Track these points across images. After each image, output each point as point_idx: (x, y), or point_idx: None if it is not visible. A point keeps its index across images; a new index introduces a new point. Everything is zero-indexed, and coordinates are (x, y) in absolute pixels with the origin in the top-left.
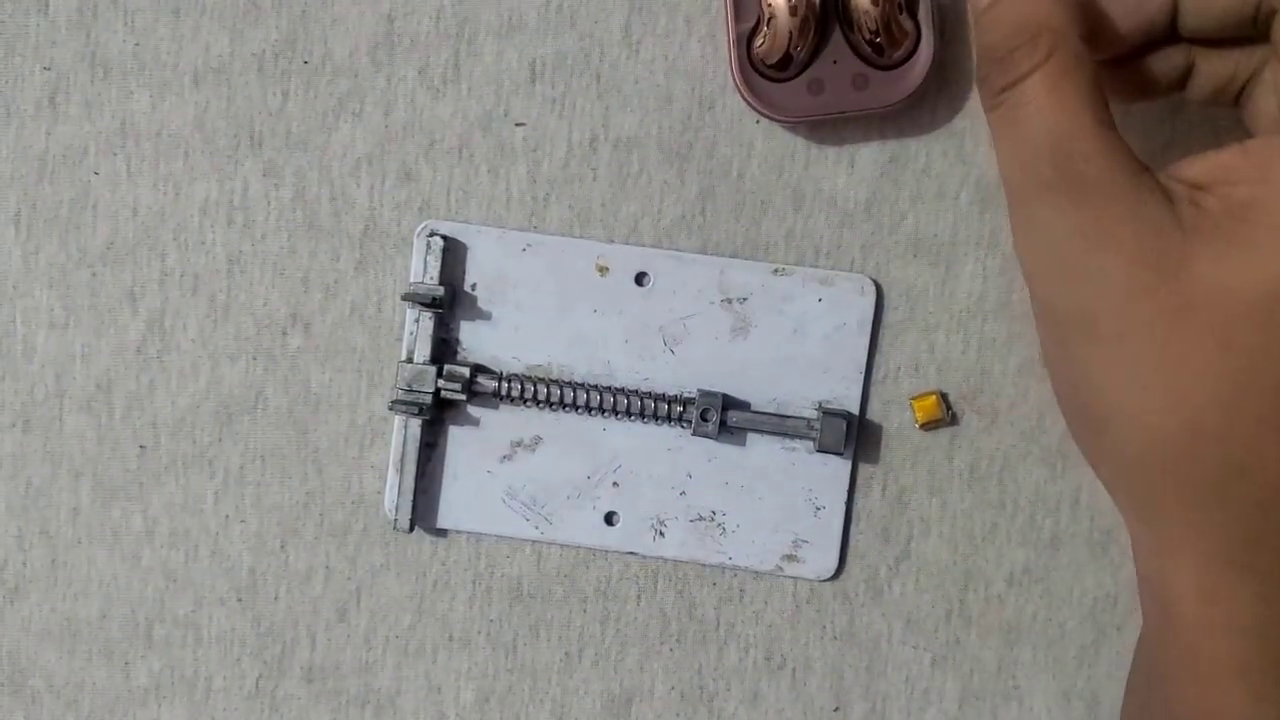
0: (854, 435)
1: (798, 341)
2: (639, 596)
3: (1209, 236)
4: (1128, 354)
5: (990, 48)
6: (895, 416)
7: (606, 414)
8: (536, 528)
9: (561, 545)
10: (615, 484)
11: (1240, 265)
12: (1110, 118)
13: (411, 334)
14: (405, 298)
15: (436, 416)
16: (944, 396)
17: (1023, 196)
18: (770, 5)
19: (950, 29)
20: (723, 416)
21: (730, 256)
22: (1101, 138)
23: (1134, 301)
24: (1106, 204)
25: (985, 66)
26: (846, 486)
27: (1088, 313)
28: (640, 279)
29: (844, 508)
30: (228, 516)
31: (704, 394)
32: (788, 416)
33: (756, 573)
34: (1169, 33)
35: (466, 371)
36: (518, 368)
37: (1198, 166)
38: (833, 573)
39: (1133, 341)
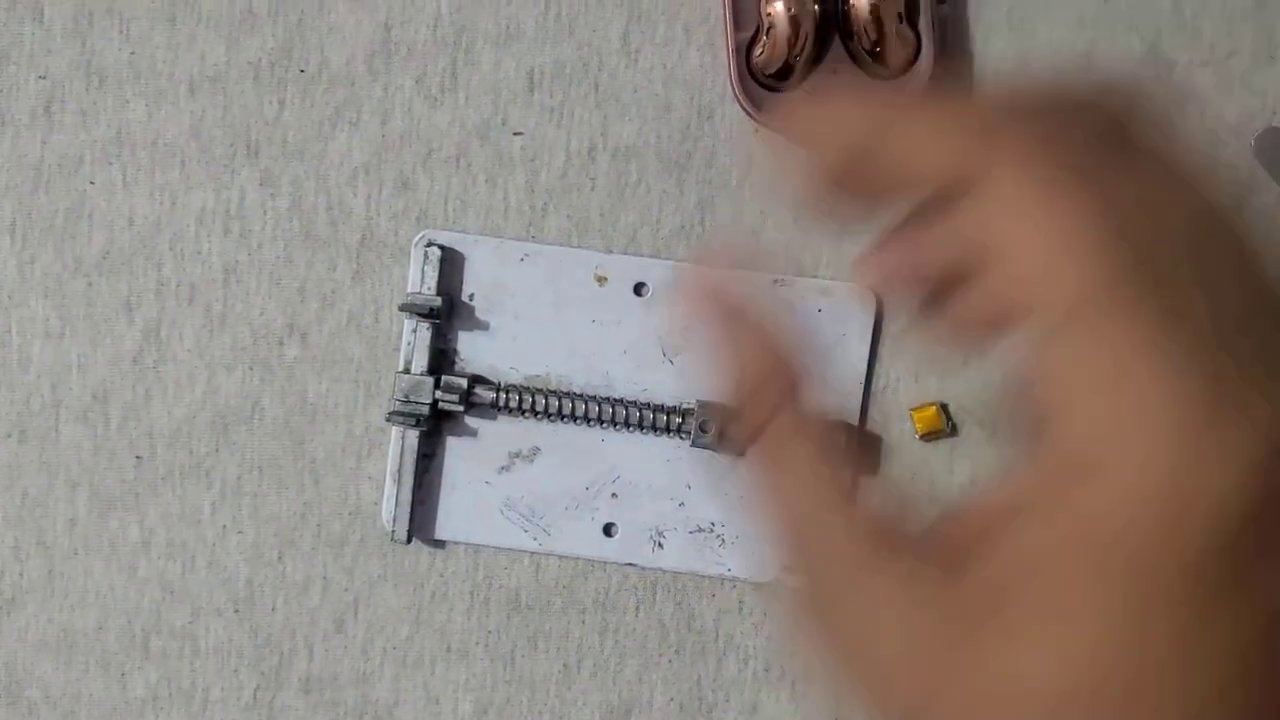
0: (855, 444)
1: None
2: (638, 608)
3: (966, 634)
4: None
5: (735, 383)
6: (895, 427)
7: (605, 425)
8: (535, 539)
9: (560, 556)
10: (614, 495)
11: (996, 671)
12: (855, 493)
13: (409, 344)
14: (403, 308)
15: (434, 427)
16: (944, 407)
17: (778, 556)
18: (770, 14)
19: (950, 38)
20: (722, 428)
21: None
22: (835, 519)
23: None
24: (858, 599)
25: (739, 399)
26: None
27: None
28: (639, 289)
29: None
30: (225, 527)
31: (703, 405)
32: None
33: (756, 584)
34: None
35: (464, 382)
36: (515, 378)
37: (962, 516)
38: None
39: None
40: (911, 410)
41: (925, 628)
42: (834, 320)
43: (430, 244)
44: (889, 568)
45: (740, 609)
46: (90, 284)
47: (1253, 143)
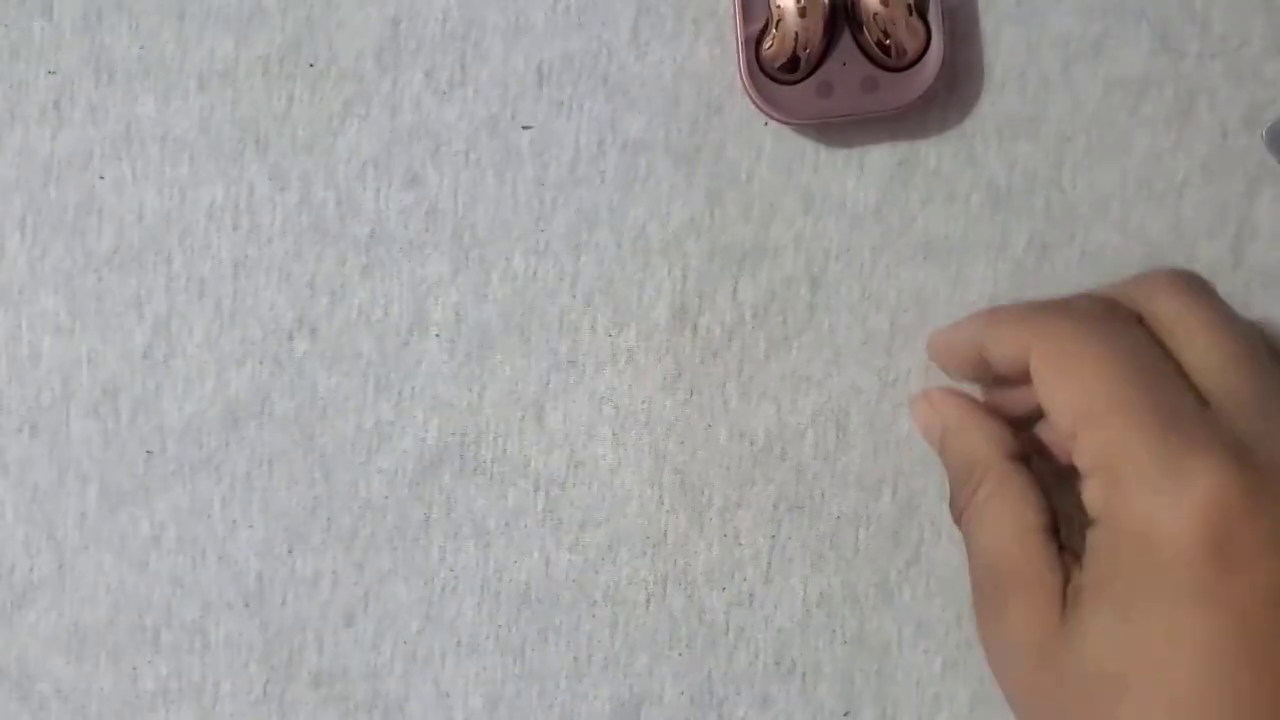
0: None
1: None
2: (648, 601)
3: (1066, 620)
4: None
5: (949, 478)
6: (905, 420)
7: None
8: None
9: (570, 547)
10: None
11: (1079, 654)
12: (1039, 520)
13: None
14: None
15: None
16: None
17: (975, 599)
18: (779, 7)
19: (960, 31)
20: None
21: None
22: (1019, 545)
23: (1026, 692)
24: (1013, 604)
25: (950, 492)
26: None
27: (1006, 689)
28: None
29: None
30: (235, 521)
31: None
32: None
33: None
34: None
35: None
36: None
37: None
38: None
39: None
40: None
41: (1047, 616)
42: None
43: None
44: (1051, 576)
45: (751, 602)
46: (100, 279)
47: (1264, 134)
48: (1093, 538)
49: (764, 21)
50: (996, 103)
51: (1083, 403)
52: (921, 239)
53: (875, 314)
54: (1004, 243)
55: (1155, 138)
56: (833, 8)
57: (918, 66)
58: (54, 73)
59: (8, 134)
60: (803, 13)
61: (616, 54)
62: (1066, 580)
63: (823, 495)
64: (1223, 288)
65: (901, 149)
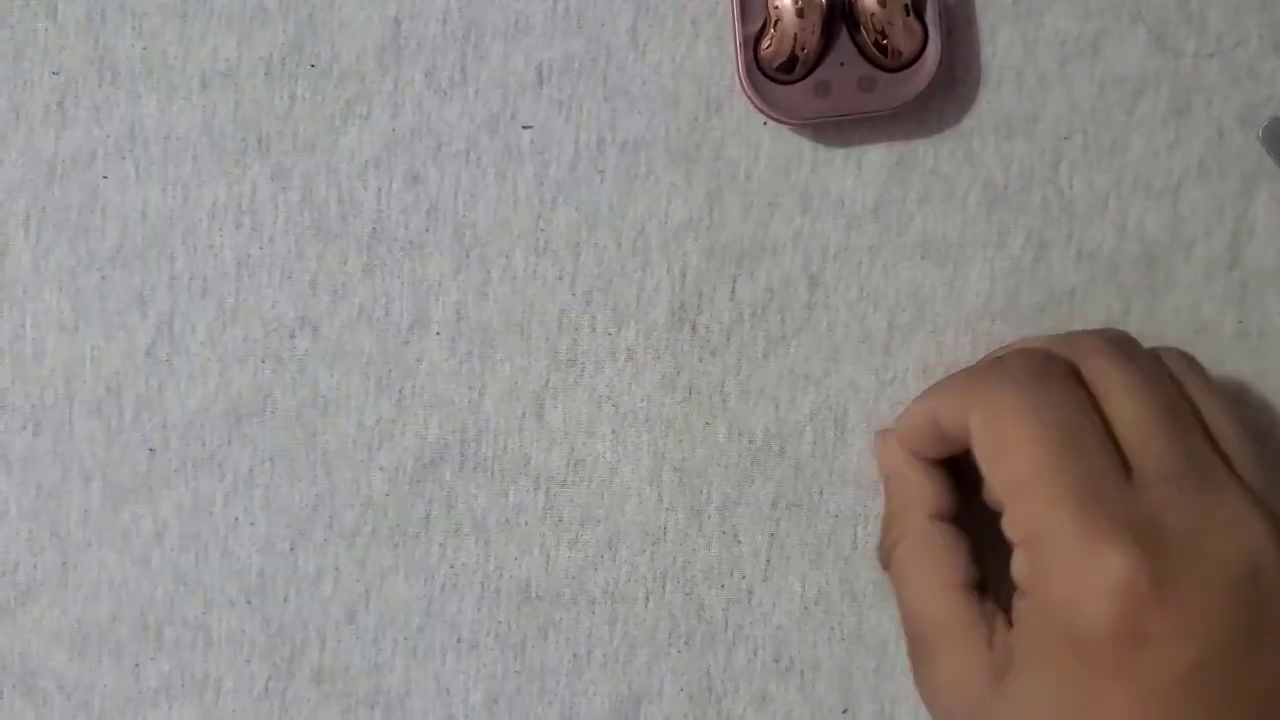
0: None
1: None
2: (647, 598)
3: (998, 680)
4: None
5: (881, 523)
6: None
7: None
8: None
9: (569, 545)
10: None
11: (1010, 710)
12: (957, 578)
13: None
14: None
15: None
16: None
17: (908, 652)
18: (776, 7)
19: (957, 30)
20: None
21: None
22: (939, 602)
23: None
24: (941, 661)
25: (880, 536)
26: None
27: None
28: None
29: None
30: (237, 519)
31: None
32: None
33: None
34: None
35: None
36: None
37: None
38: None
39: None
40: None
41: (975, 676)
42: None
43: None
44: (975, 633)
45: (749, 599)
46: (104, 278)
47: (1260, 133)
48: (1021, 606)
49: (762, 22)
50: (993, 102)
51: (1011, 475)
52: (919, 238)
53: (873, 313)
54: (1001, 241)
55: (1152, 137)
56: (830, 8)
57: (915, 66)
58: (58, 73)
59: (12, 134)
60: (800, 13)
61: (616, 54)
62: (991, 635)
63: (821, 493)
64: (1219, 286)
65: (899, 148)
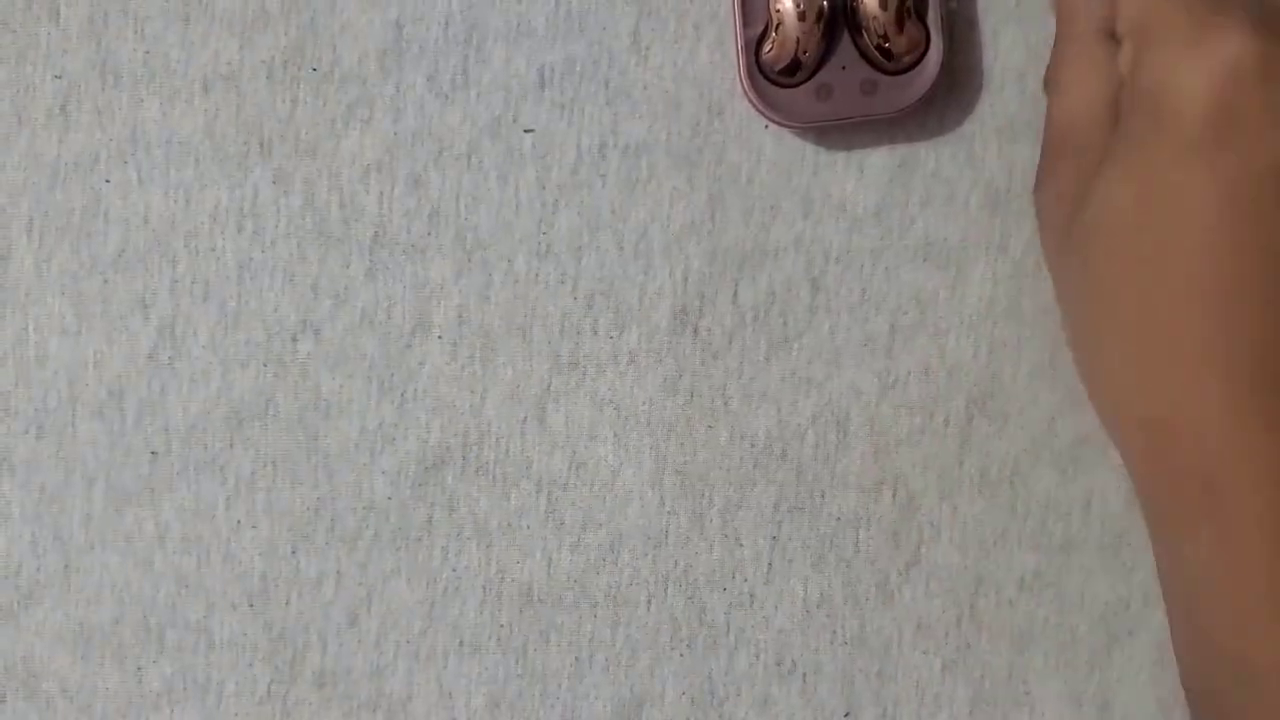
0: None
1: None
2: (649, 601)
3: (1093, 184)
4: None
5: (1056, 34)
6: (905, 421)
7: None
8: None
9: (571, 548)
10: None
11: (1094, 209)
12: (1110, 92)
13: None
14: None
15: None
16: None
17: (1038, 162)
18: (778, 11)
19: (960, 33)
20: None
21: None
22: (1086, 112)
23: (1055, 252)
24: (1062, 165)
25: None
26: None
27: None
28: None
29: None
30: (239, 522)
31: None
32: None
33: (768, 571)
34: None
35: None
36: None
37: None
38: None
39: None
40: None
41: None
42: None
43: None
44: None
45: (751, 602)
46: (106, 281)
47: None
48: (1122, 100)
49: (764, 25)
50: (996, 105)
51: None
52: (921, 241)
53: (875, 316)
54: (1003, 244)
55: None
56: (832, 11)
57: (917, 69)
58: (60, 77)
59: (14, 138)
60: (802, 16)
61: (618, 58)
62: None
63: (823, 496)
64: None
65: (901, 151)
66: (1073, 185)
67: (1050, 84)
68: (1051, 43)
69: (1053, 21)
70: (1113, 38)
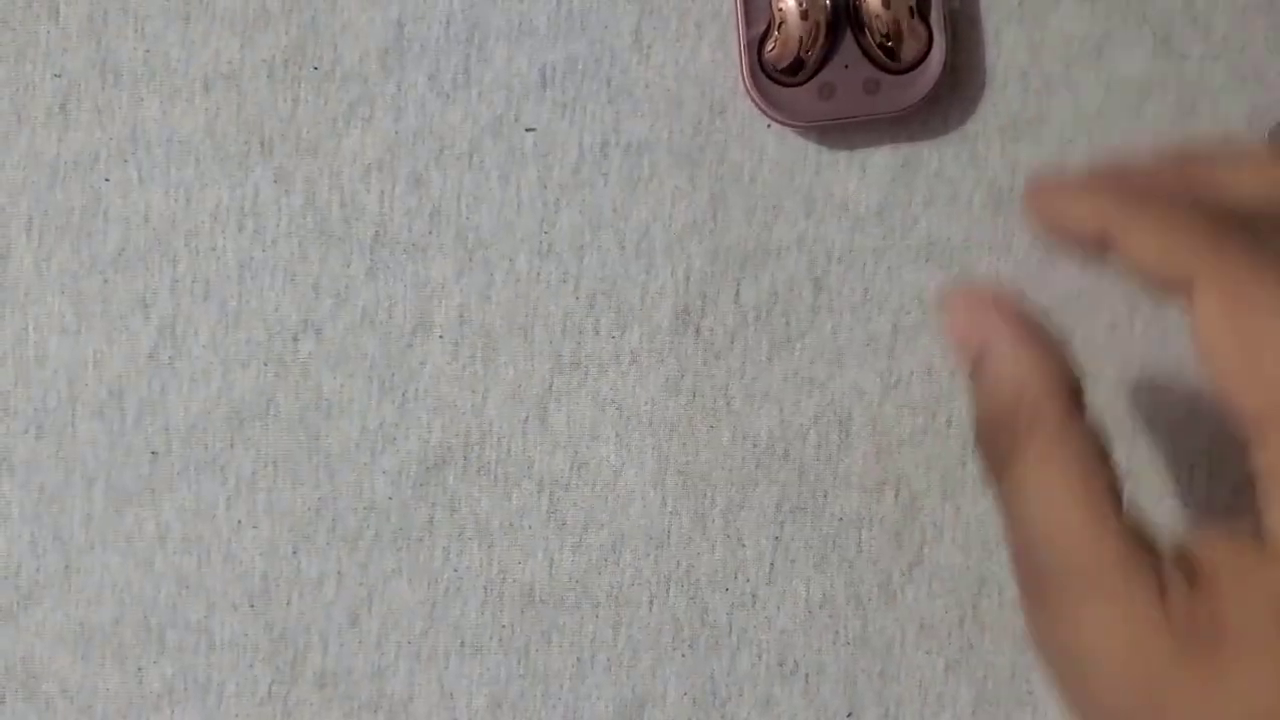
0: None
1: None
2: (651, 602)
3: (1192, 653)
4: None
5: (979, 418)
6: (907, 421)
7: None
8: None
9: (573, 548)
10: None
11: (1217, 697)
12: (1110, 500)
13: None
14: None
15: None
16: None
17: (1021, 590)
18: (781, 10)
19: (962, 32)
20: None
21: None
22: (1086, 534)
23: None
24: (1088, 613)
25: (980, 436)
26: None
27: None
28: None
29: None
30: (240, 522)
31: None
32: None
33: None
34: None
35: None
36: None
37: (1201, 545)
38: None
39: None
40: None
41: (1151, 641)
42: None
43: None
44: (1142, 574)
45: (753, 603)
46: (106, 281)
47: (1266, 136)
48: (1261, 572)
49: (766, 24)
50: (999, 104)
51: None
52: (924, 240)
53: (878, 315)
54: (1006, 244)
55: (1157, 139)
56: (835, 10)
57: (920, 69)
58: (60, 75)
59: (14, 136)
60: (805, 15)
61: (620, 57)
62: (1163, 586)
63: (825, 496)
64: None
65: (904, 151)
66: (1129, 641)
67: (1004, 487)
68: (1055, 43)
69: (1057, 22)
70: (1082, 408)
